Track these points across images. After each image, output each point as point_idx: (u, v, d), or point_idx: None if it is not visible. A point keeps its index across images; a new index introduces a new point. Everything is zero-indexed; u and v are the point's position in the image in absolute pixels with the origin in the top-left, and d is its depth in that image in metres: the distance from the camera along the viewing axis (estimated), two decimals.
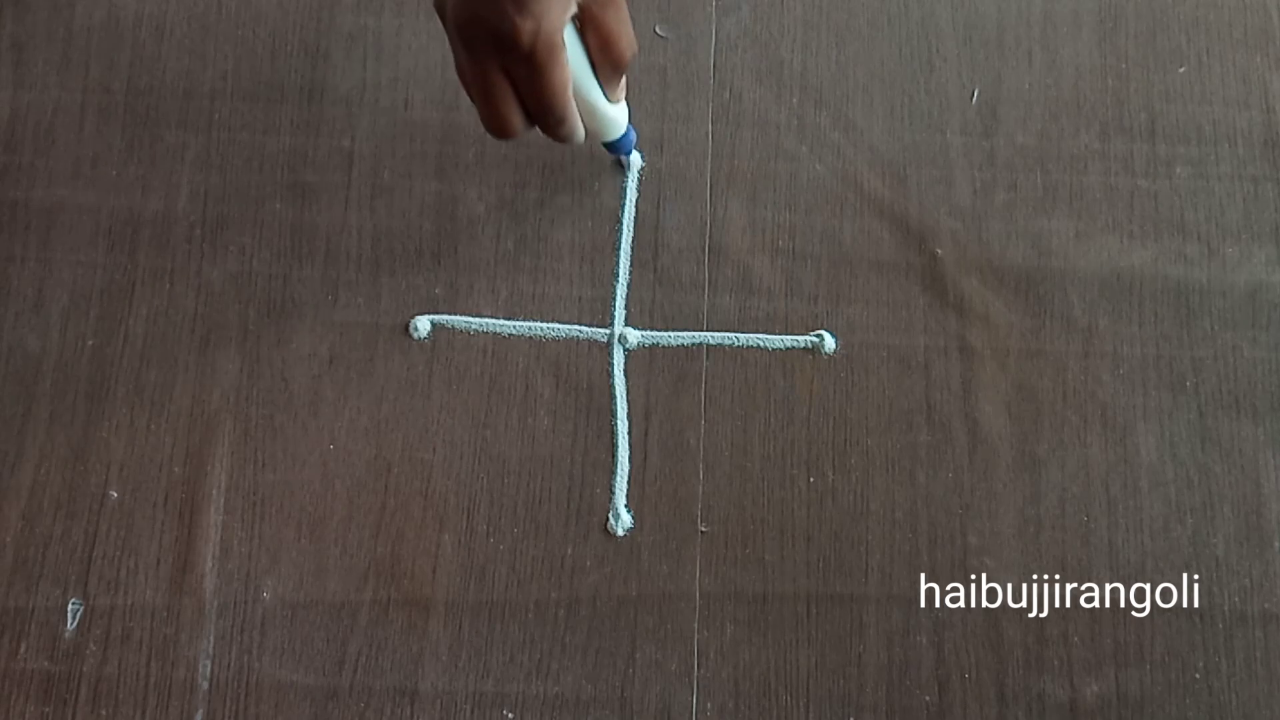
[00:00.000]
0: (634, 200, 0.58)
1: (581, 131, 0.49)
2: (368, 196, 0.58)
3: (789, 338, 0.57)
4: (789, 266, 0.58)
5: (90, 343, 0.56)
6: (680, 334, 0.57)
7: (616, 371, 0.56)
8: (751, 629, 0.53)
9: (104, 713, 0.51)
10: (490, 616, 0.53)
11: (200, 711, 0.52)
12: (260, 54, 0.60)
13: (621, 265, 0.58)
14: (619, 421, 0.55)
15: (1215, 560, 0.54)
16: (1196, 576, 0.54)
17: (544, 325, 0.56)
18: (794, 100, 0.60)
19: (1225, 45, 0.61)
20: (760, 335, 0.57)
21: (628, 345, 0.56)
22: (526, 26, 0.41)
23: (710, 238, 0.58)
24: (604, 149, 0.56)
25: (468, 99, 0.46)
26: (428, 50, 0.60)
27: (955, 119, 0.60)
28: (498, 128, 0.46)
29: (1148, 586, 0.54)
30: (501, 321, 0.56)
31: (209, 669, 0.52)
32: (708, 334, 0.57)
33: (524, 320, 0.57)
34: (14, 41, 0.60)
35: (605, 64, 0.47)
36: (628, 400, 0.56)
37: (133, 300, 0.56)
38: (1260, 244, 0.59)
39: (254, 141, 0.59)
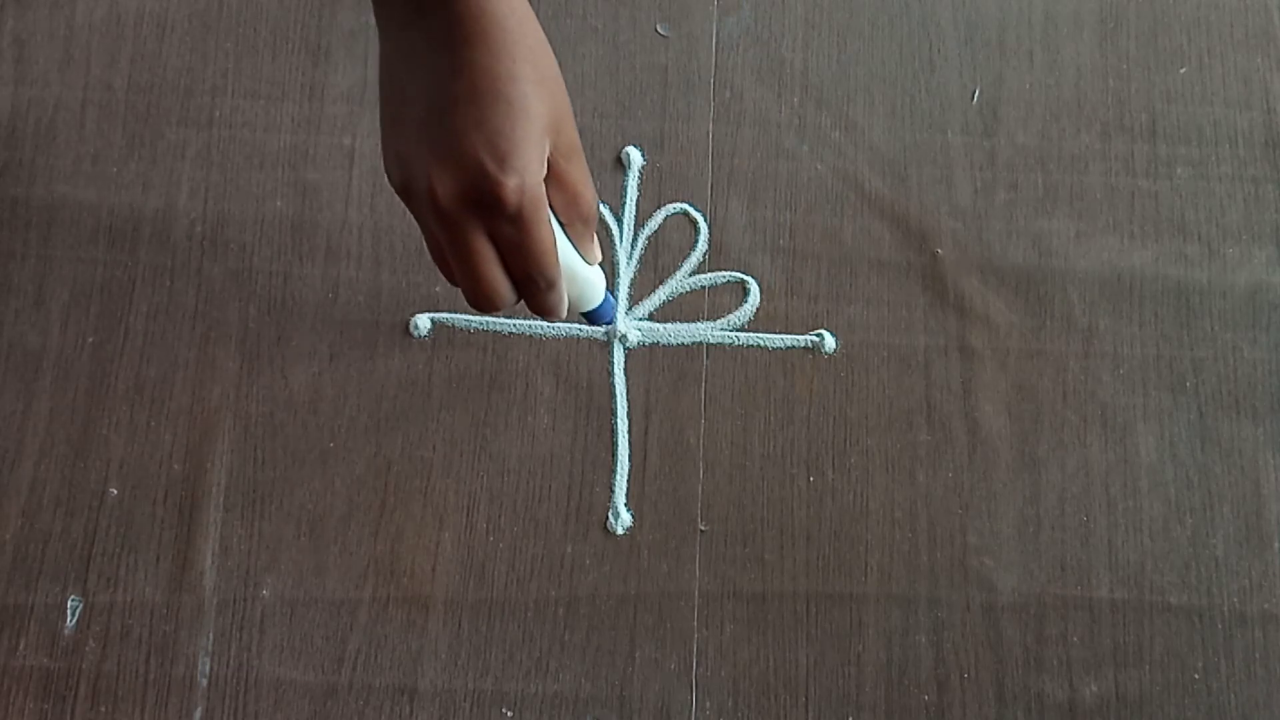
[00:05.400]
0: (634, 200, 0.58)
1: (566, 299, 0.46)
2: (368, 194, 0.58)
3: (789, 337, 0.57)
4: (789, 266, 0.58)
5: (90, 339, 0.56)
6: (681, 332, 0.57)
7: (616, 370, 0.56)
8: (751, 628, 0.53)
9: (103, 709, 0.51)
10: (489, 614, 0.53)
11: (199, 708, 0.52)
12: (261, 51, 0.60)
13: (622, 264, 0.58)
14: (619, 420, 0.55)
15: (1215, 561, 0.54)
16: (1196, 577, 0.54)
17: (544, 324, 0.56)
18: (795, 100, 0.60)
19: (1226, 46, 0.61)
20: (760, 335, 0.57)
21: (628, 344, 0.56)
22: (512, 184, 0.39)
23: (710, 237, 0.58)
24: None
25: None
26: None
27: (956, 119, 0.60)
28: (490, 301, 0.43)
29: (1147, 586, 0.54)
30: (501, 320, 0.57)
31: (208, 666, 0.52)
32: (708, 333, 0.57)
33: (524, 319, 0.57)
34: (15, 38, 0.60)
35: (576, 220, 0.45)
36: (628, 399, 0.56)
37: (133, 297, 0.56)
38: (1260, 244, 0.59)
39: (255, 139, 0.59)
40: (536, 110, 0.40)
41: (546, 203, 0.41)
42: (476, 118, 0.39)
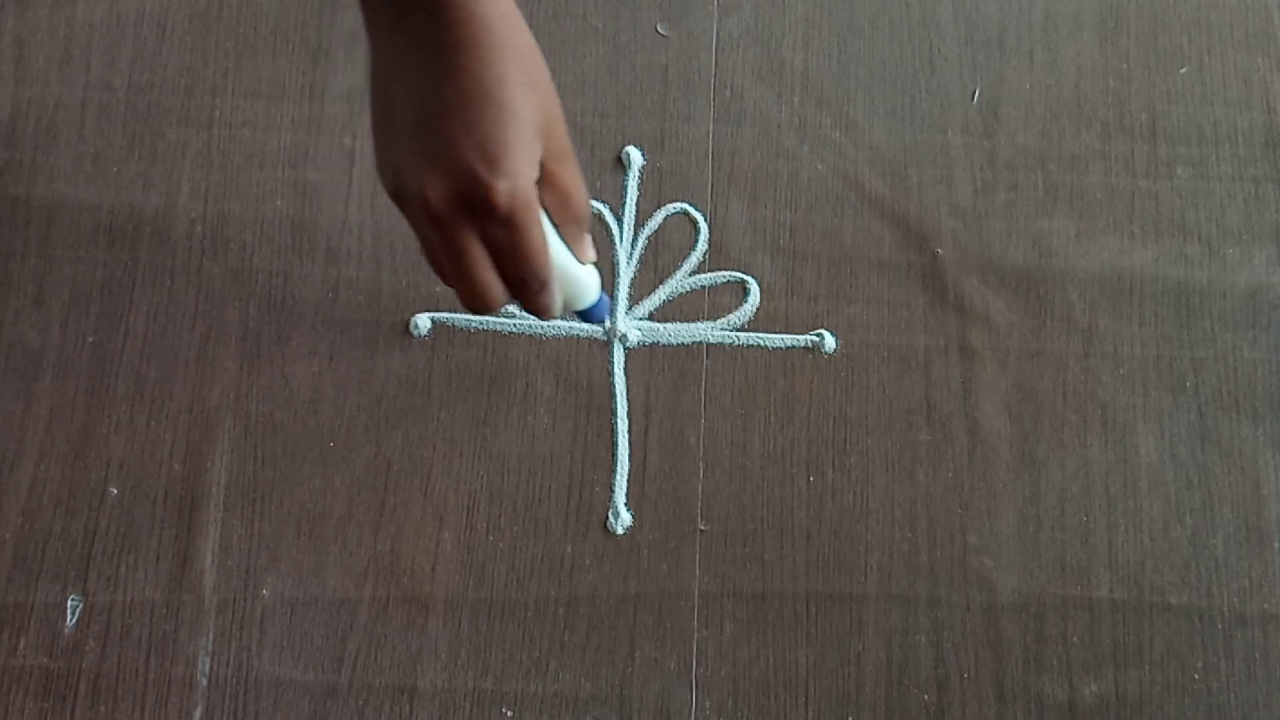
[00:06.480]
0: (634, 200, 0.58)
1: (560, 299, 0.46)
2: (369, 194, 0.58)
3: (789, 337, 0.57)
4: (789, 266, 0.58)
5: (91, 339, 0.56)
6: (681, 332, 0.57)
7: (616, 370, 0.56)
8: (750, 628, 0.53)
9: (103, 709, 0.52)
10: (489, 614, 0.53)
11: (199, 708, 0.52)
12: (262, 51, 0.60)
13: (622, 264, 0.58)
14: (619, 420, 0.55)
15: (1215, 561, 0.54)
16: (1196, 577, 0.54)
17: (544, 324, 0.56)
18: (795, 99, 0.60)
19: (1226, 46, 0.61)
20: (760, 334, 0.57)
21: (628, 344, 0.56)
22: (502, 187, 0.39)
23: (710, 237, 0.58)
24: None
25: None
26: None
27: (956, 119, 0.60)
28: (483, 302, 0.43)
29: (1147, 586, 0.54)
30: (502, 320, 0.57)
31: (208, 665, 0.52)
32: (708, 333, 0.57)
33: (524, 319, 0.57)
34: (16, 38, 0.60)
35: (569, 221, 0.45)
36: (628, 399, 0.56)
37: (133, 297, 0.56)
38: (1260, 244, 0.59)
39: (255, 139, 0.59)
40: (526, 114, 0.40)
41: (538, 205, 0.42)
42: (466, 122, 0.39)
